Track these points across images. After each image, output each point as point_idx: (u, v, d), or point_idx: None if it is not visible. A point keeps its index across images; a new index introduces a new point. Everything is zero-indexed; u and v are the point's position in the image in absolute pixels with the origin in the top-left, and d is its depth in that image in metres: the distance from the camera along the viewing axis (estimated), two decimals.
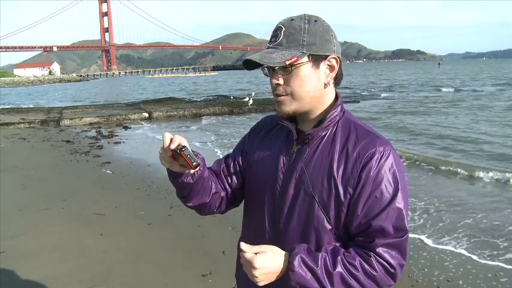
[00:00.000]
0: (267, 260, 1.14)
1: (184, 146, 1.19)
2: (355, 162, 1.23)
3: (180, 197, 1.39)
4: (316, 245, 1.25)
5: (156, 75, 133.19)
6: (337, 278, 1.15)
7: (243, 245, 1.15)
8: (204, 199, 1.38)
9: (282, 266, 1.16)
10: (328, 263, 1.16)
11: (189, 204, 1.39)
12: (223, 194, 1.45)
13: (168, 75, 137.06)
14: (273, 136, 1.42)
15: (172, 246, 4.55)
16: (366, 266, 1.18)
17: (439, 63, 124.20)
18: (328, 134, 1.29)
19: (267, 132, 1.45)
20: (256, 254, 1.14)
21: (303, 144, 1.31)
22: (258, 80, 51.63)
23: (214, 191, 1.40)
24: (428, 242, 4.74)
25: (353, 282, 1.16)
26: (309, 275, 1.14)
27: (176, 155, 1.22)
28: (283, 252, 1.17)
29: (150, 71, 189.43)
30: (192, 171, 1.27)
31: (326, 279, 1.15)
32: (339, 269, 1.16)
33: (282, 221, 1.31)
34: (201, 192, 1.36)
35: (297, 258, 1.15)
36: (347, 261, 1.17)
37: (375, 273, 1.18)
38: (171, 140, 1.21)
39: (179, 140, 1.21)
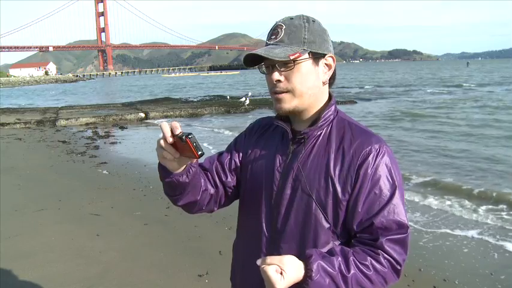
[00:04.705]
0: (290, 278, 1.10)
1: (190, 133, 1.12)
2: (351, 160, 1.24)
3: (170, 196, 1.34)
4: (313, 243, 1.25)
5: (173, 75, 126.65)
6: (352, 280, 1.14)
7: (260, 262, 1.12)
8: (195, 197, 1.35)
9: (302, 275, 1.13)
10: (343, 266, 1.15)
11: (179, 203, 1.35)
12: (212, 191, 1.41)
13: (187, 73, 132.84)
14: (268, 137, 1.42)
15: (169, 247, 4.54)
16: (377, 264, 1.17)
17: (467, 62, 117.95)
18: (323, 133, 1.30)
19: (262, 134, 1.45)
20: (281, 273, 1.09)
21: (299, 144, 1.31)
22: None
23: (203, 189, 1.36)
24: (425, 241, 4.75)
25: (366, 283, 1.16)
26: (327, 281, 1.12)
27: (178, 144, 1.15)
28: (300, 262, 1.14)
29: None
30: (193, 161, 1.23)
31: (342, 283, 1.14)
32: (353, 271, 1.15)
33: (279, 221, 1.31)
34: (192, 191, 1.32)
35: (315, 265, 1.12)
36: (359, 262, 1.17)
37: (384, 270, 1.18)
38: (171, 128, 1.16)
39: (180, 126, 1.16)
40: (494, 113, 16.38)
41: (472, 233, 4.98)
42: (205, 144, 10.78)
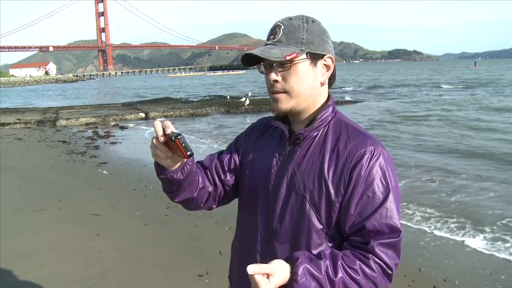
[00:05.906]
0: (277, 281, 1.09)
1: (180, 133, 1.14)
2: (345, 162, 1.23)
3: (168, 193, 1.36)
4: (307, 244, 1.25)
5: (179, 74, 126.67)
6: (339, 284, 1.13)
7: (250, 269, 1.07)
8: (191, 194, 1.36)
9: (288, 278, 1.12)
10: (330, 269, 1.14)
11: (175, 200, 1.37)
12: (210, 189, 1.42)
13: (194, 73, 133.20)
14: (268, 137, 1.43)
15: (169, 247, 4.54)
16: (366, 268, 1.16)
17: (475, 62, 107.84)
18: (319, 134, 1.30)
19: (262, 133, 1.45)
20: (267, 277, 1.07)
21: (295, 144, 1.31)
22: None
23: (201, 186, 1.38)
24: (426, 241, 4.75)
25: (354, 287, 1.15)
26: (313, 284, 1.11)
27: (170, 143, 1.17)
28: (287, 264, 1.13)
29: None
30: (185, 160, 1.24)
31: (329, 287, 1.12)
32: (341, 274, 1.14)
33: (274, 221, 1.31)
34: (188, 188, 1.34)
35: (301, 268, 1.11)
36: (347, 265, 1.15)
37: (374, 275, 1.17)
38: (163, 127, 1.17)
39: (172, 126, 1.17)
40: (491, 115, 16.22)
41: (472, 233, 4.98)
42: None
